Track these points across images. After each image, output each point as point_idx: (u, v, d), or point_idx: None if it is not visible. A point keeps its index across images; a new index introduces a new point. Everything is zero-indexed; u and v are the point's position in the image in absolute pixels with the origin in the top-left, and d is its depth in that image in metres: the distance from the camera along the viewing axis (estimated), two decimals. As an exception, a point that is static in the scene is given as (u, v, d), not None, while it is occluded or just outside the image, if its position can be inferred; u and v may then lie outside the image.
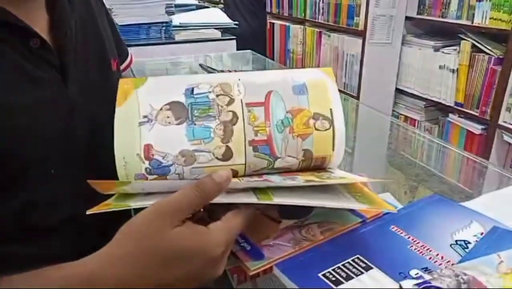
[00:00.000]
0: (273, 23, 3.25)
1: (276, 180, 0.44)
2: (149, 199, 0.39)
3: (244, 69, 1.52)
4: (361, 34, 2.26)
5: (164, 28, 1.97)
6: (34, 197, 0.45)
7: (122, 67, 0.71)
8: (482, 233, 0.46)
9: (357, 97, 2.35)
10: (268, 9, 3.29)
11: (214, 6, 3.32)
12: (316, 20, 2.71)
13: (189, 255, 0.35)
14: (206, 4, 3.46)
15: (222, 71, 1.21)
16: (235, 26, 2.21)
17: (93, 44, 0.56)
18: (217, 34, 2.07)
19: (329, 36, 2.59)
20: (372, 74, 2.33)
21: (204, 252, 0.36)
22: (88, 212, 0.37)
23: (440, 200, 0.53)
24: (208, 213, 0.41)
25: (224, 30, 2.16)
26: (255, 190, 0.42)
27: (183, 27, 2.03)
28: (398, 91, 2.39)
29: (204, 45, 2.00)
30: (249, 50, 1.85)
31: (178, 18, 2.04)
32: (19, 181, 0.44)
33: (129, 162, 0.42)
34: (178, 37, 1.98)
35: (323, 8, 2.62)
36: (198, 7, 2.49)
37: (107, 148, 0.43)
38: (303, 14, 2.85)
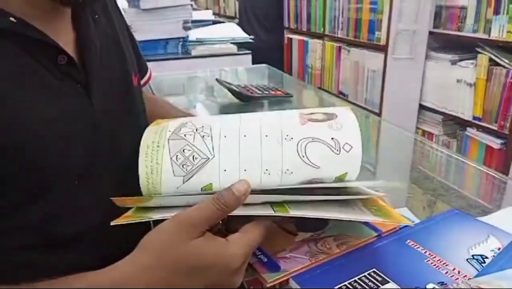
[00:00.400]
0: (291, 38, 3.23)
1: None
2: (169, 211, 0.40)
3: (260, 83, 1.54)
4: (383, 49, 2.22)
5: (181, 43, 2.01)
6: (57, 207, 0.46)
7: (142, 82, 0.73)
8: (499, 248, 0.46)
9: (379, 114, 2.27)
10: (286, 24, 3.28)
11: (230, 21, 3.38)
12: (336, 35, 2.69)
13: (208, 266, 0.36)
14: (222, 19, 3.53)
15: (239, 85, 1.23)
16: (250, 40, 2.24)
17: (115, 59, 0.58)
18: (233, 48, 2.11)
19: (348, 51, 2.54)
20: (395, 89, 2.27)
21: (223, 263, 0.36)
22: (112, 223, 0.38)
23: (457, 215, 0.53)
24: (225, 224, 0.42)
25: (240, 44, 2.20)
26: (272, 203, 0.43)
27: (199, 42, 2.07)
28: (420, 106, 2.33)
29: (220, 60, 2.03)
30: (264, 65, 1.88)
31: (194, 34, 2.08)
32: (43, 191, 0.45)
33: (153, 176, 0.43)
34: (194, 52, 2.01)
35: (342, 23, 2.59)
36: (214, 22, 2.54)
37: (127, 160, 0.44)
38: (322, 29, 2.82)
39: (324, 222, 0.49)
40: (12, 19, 0.42)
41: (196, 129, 0.45)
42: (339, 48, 2.64)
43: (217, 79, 1.28)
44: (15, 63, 0.43)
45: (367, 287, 0.40)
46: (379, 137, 1.17)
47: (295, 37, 3.18)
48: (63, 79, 0.47)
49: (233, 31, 2.32)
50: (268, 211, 0.41)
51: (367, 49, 2.38)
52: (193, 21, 2.19)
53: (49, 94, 0.45)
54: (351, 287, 0.40)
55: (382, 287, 0.40)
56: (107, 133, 0.52)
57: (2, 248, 0.44)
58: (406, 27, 2.15)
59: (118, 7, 0.66)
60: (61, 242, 0.47)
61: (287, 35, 3.27)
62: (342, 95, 2.70)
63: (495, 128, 1.89)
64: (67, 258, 0.46)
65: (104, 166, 0.51)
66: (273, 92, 1.21)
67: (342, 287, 0.40)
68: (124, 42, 0.62)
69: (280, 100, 1.23)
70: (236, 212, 0.39)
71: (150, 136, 0.45)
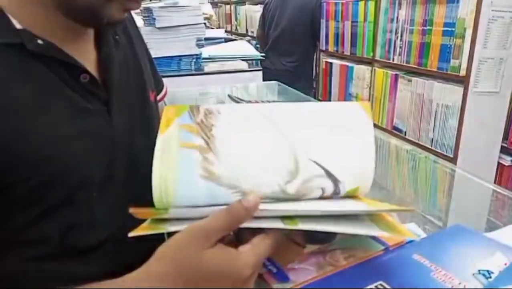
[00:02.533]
0: (330, 63, 2.78)
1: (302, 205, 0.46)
2: (183, 223, 0.42)
3: (270, 99, 1.56)
4: (461, 80, 1.74)
5: (194, 60, 2.06)
6: (76, 218, 0.49)
7: (158, 98, 0.76)
8: (506, 264, 0.46)
9: (453, 159, 1.81)
10: (322, 47, 2.89)
11: (241, 39, 3.43)
12: (390, 61, 2.20)
13: (220, 275, 0.38)
14: (233, 37, 3.59)
15: (250, 101, 1.26)
16: (262, 57, 2.28)
17: (134, 77, 0.61)
18: (244, 65, 2.15)
19: (409, 80, 2.05)
20: (475, 130, 1.80)
21: (234, 273, 0.38)
22: (130, 235, 0.41)
23: (463, 230, 0.54)
24: (236, 235, 0.44)
25: (251, 61, 2.24)
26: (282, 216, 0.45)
27: (211, 59, 2.12)
28: (502, 149, 1.88)
29: (232, 76, 2.07)
30: (275, 81, 1.90)
31: (207, 51, 2.13)
32: (64, 203, 0.48)
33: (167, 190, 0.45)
34: (207, 68, 2.06)
35: (400, 48, 2.10)
36: (226, 40, 2.59)
37: (143, 174, 0.46)
38: (371, 54, 2.34)
39: (332, 235, 0.51)
40: (39, 41, 0.45)
41: (208, 141, 0.47)
42: (395, 77, 2.15)
43: (229, 95, 1.31)
44: (41, 81, 0.46)
45: (373, 299, 0.41)
46: (452, 189, 0.98)
47: (336, 61, 2.72)
48: (86, 97, 0.50)
49: (244, 48, 2.37)
50: (278, 224, 0.43)
51: (437, 80, 1.89)
52: (206, 39, 2.24)
53: (72, 111, 0.48)
54: (358, 299, 0.41)
55: (388, 299, 0.41)
56: (124, 148, 0.54)
57: (24, 257, 0.46)
58: (492, 55, 1.71)
59: (137, 27, 0.69)
60: (80, 252, 0.49)
61: (325, 59, 2.85)
62: (397, 131, 2.19)
63: (505, 145, 1.82)
64: (86, 267, 0.48)
65: (121, 179, 0.54)
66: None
67: (349, 298, 0.41)
68: (142, 61, 0.65)
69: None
70: (247, 224, 0.41)
71: (162, 149, 0.47)
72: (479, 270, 0.45)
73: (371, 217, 0.48)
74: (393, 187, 0.98)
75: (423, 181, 1.03)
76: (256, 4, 4.09)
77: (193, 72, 2.03)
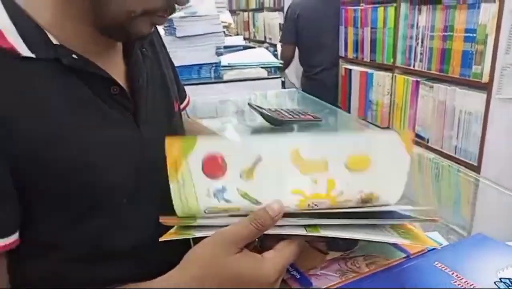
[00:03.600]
0: (350, 70, 2.74)
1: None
2: (209, 230, 0.44)
3: (290, 106, 1.58)
4: (484, 87, 1.72)
5: (213, 68, 2.09)
6: (107, 224, 0.51)
7: (181, 107, 0.78)
8: (528, 272, 0.47)
9: (477, 167, 1.78)
10: (341, 54, 2.83)
11: (260, 46, 3.46)
12: (411, 67, 2.16)
13: (246, 280, 0.40)
14: (251, 44, 3.62)
15: (270, 109, 1.27)
16: (280, 65, 2.30)
17: (160, 88, 0.63)
18: (263, 73, 2.17)
19: (431, 87, 2.01)
20: (499, 137, 1.76)
21: (259, 278, 0.40)
22: (160, 240, 0.43)
23: (485, 239, 0.54)
24: (261, 242, 0.46)
25: (270, 69, 2.26)
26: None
27: (231, 67, 2.15)
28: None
29: (251, 84, 2.10)
30: (294, 89, 1.92)
31: (226, 59, 2.16)
32: (96, 209, 0.50)
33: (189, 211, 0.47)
34: (226, 76, 2.09)
35: (421, 54, 2.07)
36: (245, 48, 2.62)
37: (168, 182, 0.49)
38: (391, 60, 2.31)
39: (353, 242, 0.52)
40: (74, 56, 0.48)
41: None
42: (417, 83, 2.12)
43: (249, 104, 1.33)
44: (75, 93, 0.49)
45: (395, 305, 0.42)
46: (476, 198, 0.96)
47: (356, 68, 2.68)
48: (115, 108, 0.52)
49: (263, 56, 2.39)
50: (300, 231, 0.44)
51: (459, 86, 1.85)
52: (225, 47, 2.27)
53: (102, 121, 0.51)
54: (380, 305, 0.42)
55: (410, 305, 0.42)
56: (151, 156, 0.56)
57: (60, 259, 0.49)
58: (515, 61, 1.66)
59: (161, 38, 0.72)
60: (112, 255, 0.51)
61: (344, 65, 2.81)
62: (419, 139, 2.13)
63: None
64: (118, 270, 0.51)
65: (148, 186, 0.56)
66: (303, 116, 1.25)
67: (371, 304, 0.42)
68: (167, 71, 0.68)
69: (309, 124, 1.27)
70: (271, 231, 0.43)
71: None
72: (500, 278, 0.46)
73: (392, 226, 0.49)
74: (416, 195, 0.97)
75: (446, 189, 1.02)
76: (274, 11, 4.12)
77: (213, 80, 2.06)
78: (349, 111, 2.68)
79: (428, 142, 2.09)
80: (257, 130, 1.29)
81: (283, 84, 2.24)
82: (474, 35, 1.74)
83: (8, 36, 0.44)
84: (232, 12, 5.31)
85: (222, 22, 2.30)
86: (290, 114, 1.25)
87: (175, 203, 0.46)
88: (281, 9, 3.79)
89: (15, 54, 0.44)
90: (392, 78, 2.33)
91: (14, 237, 0.45)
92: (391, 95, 2.36)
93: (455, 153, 1.92)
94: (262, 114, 1.25)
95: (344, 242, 0.48)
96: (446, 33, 1.90)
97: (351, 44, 2.72)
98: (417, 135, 2.17)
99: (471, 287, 0.44)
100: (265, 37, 4.49)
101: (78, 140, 0.48)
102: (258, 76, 2.15)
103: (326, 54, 2.78)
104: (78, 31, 0.49)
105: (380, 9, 2.38)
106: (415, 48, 2.12)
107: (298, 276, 0.46)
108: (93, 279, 0.47)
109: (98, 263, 0.50)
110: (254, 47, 2.79)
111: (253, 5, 4.83)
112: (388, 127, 2.35)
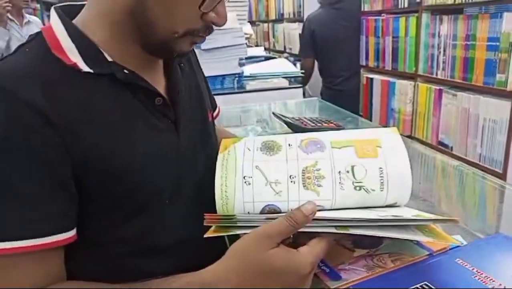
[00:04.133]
0: (371, 78, 2.76)
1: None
2: (247, 228, 0.49)
3: (311, 116, 1.62)
4: (508, 95, 1.72)
5: (236, 78, 2.15)
6: (152, 222, 0.56)
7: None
8: (547, 269, 0.49)
9: (503, 174, 1.78)
10: (362, 63, 2.86)
11: (280, 55, 3.52)
12: (433, 76, 2.17)
13: (282, 272, 0.44)
14: (272, 55, 3.68)
15: (293, 118, 1.32)
16: (301, 75, 2.35)
17: (196, 99, 0.68)
18: (285, 82, 2.22)
19: (454, 95, 2.01)
20: None
21: (294, 270, 0.44)
22: (205, 236, 0.48)
23: (505, 238, 0.57)
24: (293, 238, 0.50)
25: (291, 78, 2.31)
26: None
27: (253, 77, 2.21)
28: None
29: (273, 93, 2.15)
30: (316, 98, 1.96)
31: (248, 69, 2.22)
32: (141, 209, 0.55)
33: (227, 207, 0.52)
34: (248, 86, 2.15)
35: (444, 62, 2.08)
36: (267, 58, 2.68)
37: (203, 185, 0.55)
38: (413, 69, 2.32)
39: (379, 241, 0.56)
40: (125, 71, 0.53)
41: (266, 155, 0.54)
42: (440, 91, 2.12)
43: (273, 113, 1.38)
44: (126, 104, 0.54)
45: (419, 298, 0.45)
46: (502, 206, 0.95)
47: (377, 77, 2.69)
48: (159, 118, 0.58)
49: (284, 66, 2.45)
50: (331, 229, 0.48)
51: (483, 95, 1.86)
52: (246, 58, 2.34)
53: (148, 129, 0.56)
54: (405, 297, 0.45)
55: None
56: (189, 161, 0.62)
57: (109, 254, 0.54)
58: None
59: (195, 54, 0.77)
60: (156, 251, 0.56)
61: (366, 74, 2.83)
62: (442, 147, 2.14)
63: None
64: (162, 264, 0.55)
65: (186, 189, 0.61)
66: (325, 124, 1.29)
67: (397, 297, 0.46)
68: (201, 84, 0.73)
69: (332, 132, 1.30)
70: (305, 229, 0.47)
71: (221, 165, 0.56)
72: (520, 274, 0.49)
73: (417, 225, 0.53)
74: (439, 202, 0.99)
75: (471, 196, 1.03)
76: (294, 22, 4.18)
77: (236, 90, 2.12)
78: (370, 120, 2.68)
79: (452, 150, 2.09)
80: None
81: (304, 95, 2.29)
82: (497, 43, 1.74)
83: (71, 54, 0.50)
84: (252, 23, 5.40)
85: (245, 33, 2.37)
86: (313, 123, 1.29)
87: (217, 203, 0.51)
88: (301, 20, 3.83)
89: (76, 70, 0.50)
90: (414, 86, 2.34)
91: (73, 232, 0.50)
92: (413, 103, 2.37)
93: (480, 161, 1.91)
94: (286, 123, 1.30)
95: (370, 240, 0.51)
96: (468, 42, 1.91)
97: (372, 53, 2.73)
98: (441, 143, 2.18)
99: (491, 281, 0.47)
100: (284, 47, 4.55)
101: (130, 148, 0.53)
102: (280, 86, 2.21)
103: (345, 64, 2.81)
104: (127, 49, 0.55)
105: (402, 19, 2.40)
106: (437, 57, 2.13)
107: (328, 270, 0.50)
108: (138, 272, 0.52)
109: (144, 258, 0.55)
110: (275, 57, 2.86)
111: (273, 16, 4.90)
112: (410, 136, 2.35)
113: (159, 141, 0.57)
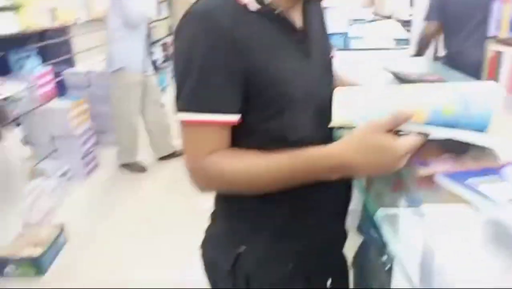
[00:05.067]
0: (500, 52, 2.39)
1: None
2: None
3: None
4: None
5: (343, 37, 2.27)
6: (288, 122, 0.76)
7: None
8: None
9: None
10: (490, 33, 2.40)
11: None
12: None
13: (384, 149, 0.62)
14: (378, 17, 3.66)
15: (402, 71, 1.43)
16: (407, 38, 2.37)
17: (322, 35, 0.86)
18: (392, 43, 2.28)
19: None
20: None
21: (393, 149, 0.61)
22: (329, 126, 0.67)
23: None
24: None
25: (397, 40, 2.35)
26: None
27: (359, 37, 2.30)
28: None
29: (378, 53, 2.22)
30: (423, 57, 1.99)
31: (355, 30, 2.32)
32: (282, 110, 0.75)
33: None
34: (355, 46, 2.25)
35: None
36: (373, 20, 2.73)
37: (326, 99, 0.73)
38: None
39: (464, 150, 0.70)
40: (279, 9, 0.73)
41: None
42: None
43: (384, 67, 1.50)
44: (276, 34, 0.74)
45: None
46: None
47: (508, 50, 2.28)
48: (297, 45, 0.77)
49: (391, 28, 2.48)
50: (426, 130, 0.64)
51: None
52: (354, 20, 2.43)
53: (290, 54, 0.76)
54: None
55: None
56: (316, 80, 0.81)
57: (258, 141, 0.76)
58: None
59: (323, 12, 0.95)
60: (288, 143, 0.77)
61: (493, 47, 2.41)
62: None
63: None
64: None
65: (316, 102, 0.80)
66: (429, 77, 1.38)
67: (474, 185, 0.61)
68: (326, 27, 0.91)
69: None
70: (403, 127, 0.63)
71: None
72: None
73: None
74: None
75: None
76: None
77: (342, 48, 2.24)
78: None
79: None
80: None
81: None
82: None
83: None
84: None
85: (354, -5, 2.45)
86: (418, 76, 1.40)
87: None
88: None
89: (247, 9, 0.71)
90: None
91: (238, 116, 0.72)
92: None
93: None
94: (394, 74, 1.42)
95: (458, 145, 0.66)
96: None
97: (506, 23, 2.27)
98: None
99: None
100: (390, 12, 4.45)
101: (277, 67, 0.73)
102: (385, 47, 2.27)
103: (471, 33, 2.45)
104: None
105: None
106: None
107: (418, 162, 0.66)
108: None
109: (281, 147, 0.76)
110: (381, 20, 2.88)
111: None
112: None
113: (298, 62, 0.77)
